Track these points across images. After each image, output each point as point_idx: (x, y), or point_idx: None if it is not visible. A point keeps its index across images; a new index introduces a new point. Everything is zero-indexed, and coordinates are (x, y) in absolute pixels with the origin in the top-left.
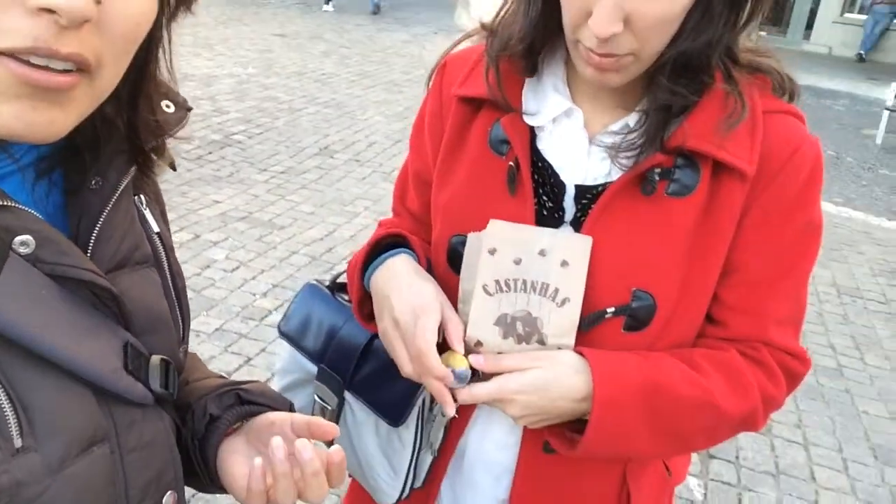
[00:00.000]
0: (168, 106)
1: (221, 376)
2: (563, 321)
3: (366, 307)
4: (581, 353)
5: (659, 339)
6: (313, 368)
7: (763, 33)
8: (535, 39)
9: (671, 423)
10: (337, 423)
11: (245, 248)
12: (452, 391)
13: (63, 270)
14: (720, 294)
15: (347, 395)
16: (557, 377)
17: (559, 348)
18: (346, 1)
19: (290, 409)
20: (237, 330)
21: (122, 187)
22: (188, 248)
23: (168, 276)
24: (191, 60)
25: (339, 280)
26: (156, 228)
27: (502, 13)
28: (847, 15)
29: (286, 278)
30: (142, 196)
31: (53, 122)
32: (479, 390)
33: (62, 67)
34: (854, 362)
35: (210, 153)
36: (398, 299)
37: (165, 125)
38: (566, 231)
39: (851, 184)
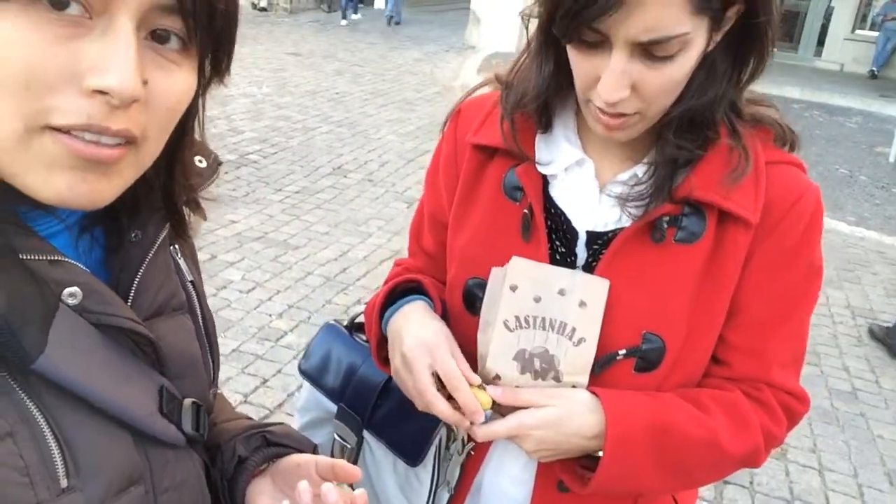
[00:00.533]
0: (200, 161)
1: (249, 418)
2: (578, 360)
3: (383, 350)
4: (594, 393)
5: (667, 380)
6: (333, 407)
7: (775, 49)
8: (549, 97)
9: (678, 461)
10: (356, 461)
11: (261, 269)
12: (471, 431)
13: (107, 319)
14: (726, 335)
15: (366, 434)
16: (572, 415)
17: (573, 386)
18: (360, 17)
19: (314, 450)
20: (253, 351)
21: (159, 240)
22: (204, 268)
23: (200, 321)
24: None
25: (357, 320)
26: (189, 277)
27: (517, 68)
28: (858, 31)
29: (301, 299)
30: (176, 245)
31: (100, 191)
32: (498, 427)
33: (111, 142)
34: (869, 385)
35: (226, 173)
36: (408, 336)
37: (197, 182)
38: (583, 273)
39: (865, 203)
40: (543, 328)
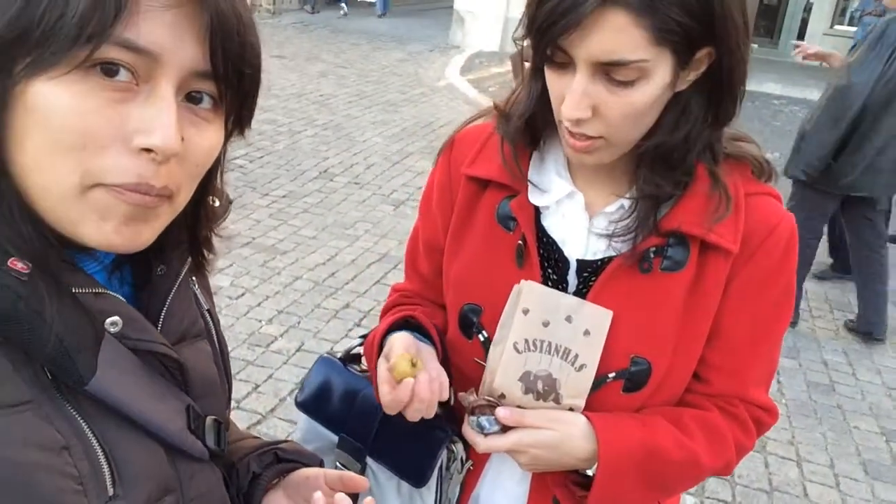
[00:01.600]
0: (214, 201)
1: (256, 437)
2: (578, 384)
3: None
4: (589, 419)
5: (652, 398)
6: (332, 437)
7: (755, 45)
8: (536, 113)
9: (662, 481)
10: None
11: (249, 275)
12: (473, 441)
13: (143, 345)
14: (706, 356)
15: (369, 459)
16: (568, 440)
17: (571, 408)
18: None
19: (321, 464)
20: (244, 357)
21: (183, 273)
22: None
23: (217, 346)
24: None
25: (352, 352)
26: (206, 306)
27: (513, 98)
28: (837, 27)
29: (290, 304)
30: (193, 277)
31: (141, 234)
32: (498, 442)
33: (154, 194)
34: (846, 378)
35: None
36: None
37: (213, 219)
38: (590, 304)
39: None
40: (549, 352)
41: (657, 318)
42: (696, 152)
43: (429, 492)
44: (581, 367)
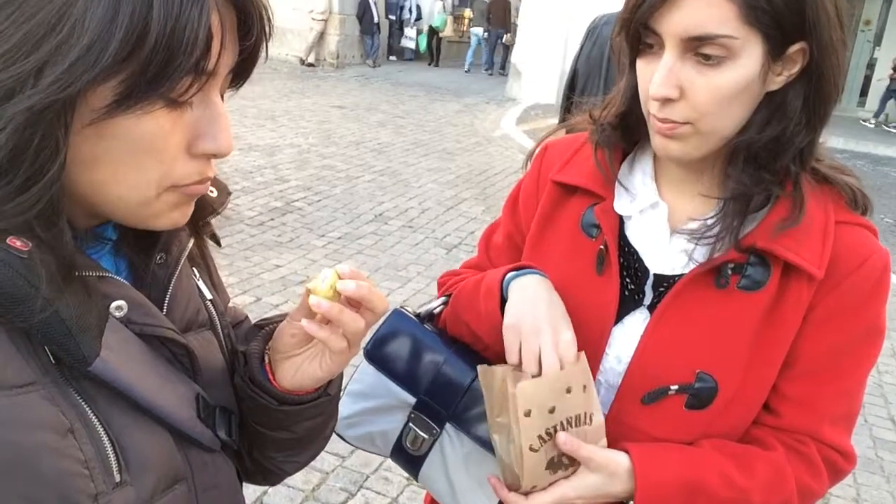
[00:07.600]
0: (212, 191)
1: None
2: (594, 433)
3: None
4: (630, 455)
5: (717, 419)
6: (406, 396)
7: (840, 96)
8: (631, 110)
9: None
10: (429, 450)
11: None
12: (511, 498)
13: (150, 330)
14: (780, 385)
15: (448, 425)
16: (609, 483)
17: None
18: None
19: None
20: None
21: (182, 260)
22: (250, 310)
23: (222, 337)
24: (255, 132)
25: (434, 311)
26: (209, 296)
27: (606, 107)
28: None
29: None
30: (194, 268)
31: (191, 210)
32: (543, 499)
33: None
34: None
35: (272, 219)
36: (542, 310)
37: (210, 208)
38: (568, 365)
39: None
40: (563, 430)
41: (728, 337)
42: (788, 157)
43: None
44: (591, 418)
